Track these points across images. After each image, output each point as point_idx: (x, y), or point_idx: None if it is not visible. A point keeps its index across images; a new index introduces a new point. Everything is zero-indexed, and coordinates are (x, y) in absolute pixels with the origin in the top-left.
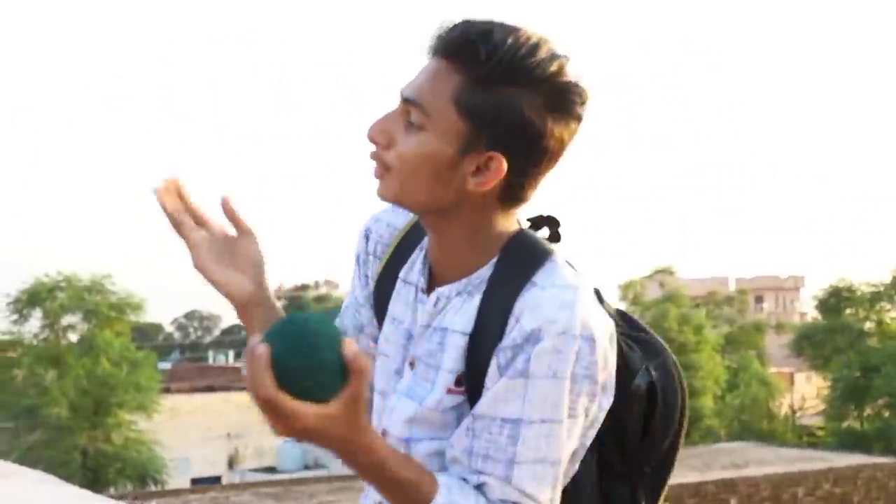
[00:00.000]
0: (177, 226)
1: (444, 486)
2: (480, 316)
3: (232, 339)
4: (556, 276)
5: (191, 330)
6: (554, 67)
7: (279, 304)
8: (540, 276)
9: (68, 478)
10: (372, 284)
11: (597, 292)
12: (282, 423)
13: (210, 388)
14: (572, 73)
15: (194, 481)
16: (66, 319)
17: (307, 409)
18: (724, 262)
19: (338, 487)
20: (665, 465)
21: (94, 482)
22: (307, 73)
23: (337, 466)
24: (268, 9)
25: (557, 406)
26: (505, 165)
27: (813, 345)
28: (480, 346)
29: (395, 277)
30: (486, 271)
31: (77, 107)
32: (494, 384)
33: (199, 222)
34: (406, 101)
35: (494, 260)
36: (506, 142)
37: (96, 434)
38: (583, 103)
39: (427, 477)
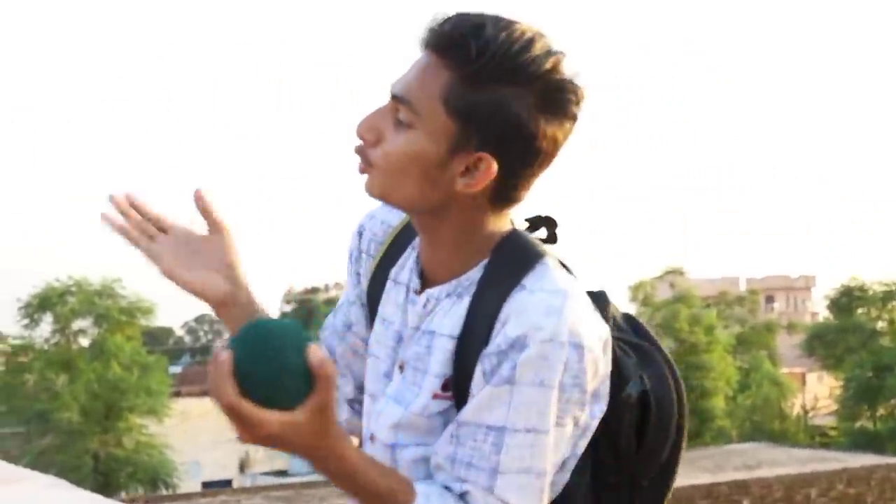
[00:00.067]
0: (132, 242)
1: (423, 496)
2: (469, 319)
3: None
4: (545, 280)
5: (201, 334)
6: (548, 65)
7: (260, 304)
8: (530, 279)
9: (80, 482)
10: (364, 283)
11: (602, 295)
12: (246, 430)
13: None
14: (568, 71)
15: (205, 485)
16: (77, 324)
17: (270, 416)
18: (734, 263)
19: None
20: (664, 478)
21: (106, 486)
22: (307, 73)
23: None
24: (268, 9)
25: (544, 415)
26: (495, 167)
27: (825, 344)
28: (468, 351)
29: (388, 277)
30: (476, 273)
31: (77, 107)
32: (479, 391)
33: (162, 228)
34: (394, 99)
35: (485, 262)
36: (496, 142)
37: (107, 438)
38: (578, 102)
39: (404, 485)
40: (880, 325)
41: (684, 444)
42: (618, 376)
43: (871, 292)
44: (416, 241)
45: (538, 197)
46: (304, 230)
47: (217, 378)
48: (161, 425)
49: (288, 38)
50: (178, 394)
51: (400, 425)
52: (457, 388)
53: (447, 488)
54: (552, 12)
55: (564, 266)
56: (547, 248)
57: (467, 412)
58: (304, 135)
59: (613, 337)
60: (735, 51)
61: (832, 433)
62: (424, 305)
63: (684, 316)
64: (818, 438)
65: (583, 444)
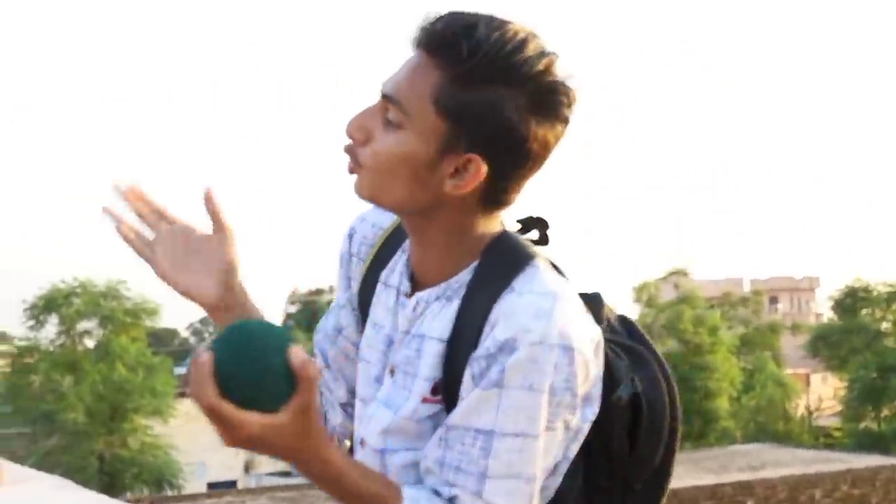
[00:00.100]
0: (129, 241)
1: (410, 499)
2: (458, 322)
3: None
4: (535, 282)
5: (206, 335)
6: (541, 66)
7: (255, 308)
8: (519, 282)
9: (86, 482)
10: (355, 286)
11: (597, 297)
12: (226, 431)
13: None
14: (561, 73)
15: (210, 486)
16: (82, 325)
17: (251, 418)
18: (737, 264)
19: None
20: (658, 482)
21: (111, 487)
22: (307, 73)
23: None
24: (268, 9)
25: (533, 419)
26: (484, 168)
27: (829, 345)
28: (458, 354)
29: (378, 280)
30: (465, 275)
31: (77, 107)
32: (469, 394)
33: (169, 221)
34: (384, 98)
35: (475, 264)
36: (486, 143)
37: (113, 439)
38: (570, 105)
39: (391, 490)
40: (885, 325)
41: (678, 448)
42: (609, 379)
43: (875, 293)
44: (407, 243)
45: (537, 197)
46: (308, 231)
47: (197, 379)
48: (166, 426)
49: (288, 38)
50: (183, 395)
51: (389, 430)
52: (447, 391)
53: (436, 492)
54: (547, 12)
55: (556, 268)
56: (538, 249)
57: (456, 416)
58: (304, 135)
59: (606, 339)
60: (730, 50)
61: (836, 434)
62: (414, 309)
63: (688, 317)
64: (822, 439)
65: (574, 448)
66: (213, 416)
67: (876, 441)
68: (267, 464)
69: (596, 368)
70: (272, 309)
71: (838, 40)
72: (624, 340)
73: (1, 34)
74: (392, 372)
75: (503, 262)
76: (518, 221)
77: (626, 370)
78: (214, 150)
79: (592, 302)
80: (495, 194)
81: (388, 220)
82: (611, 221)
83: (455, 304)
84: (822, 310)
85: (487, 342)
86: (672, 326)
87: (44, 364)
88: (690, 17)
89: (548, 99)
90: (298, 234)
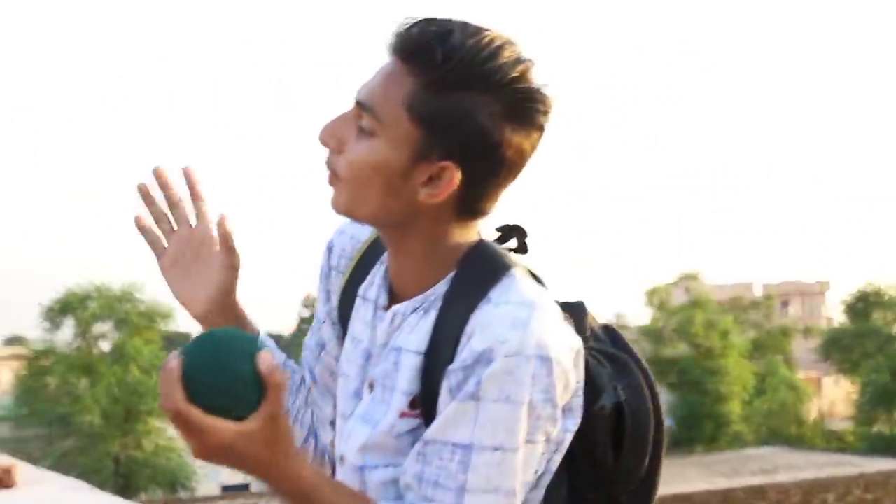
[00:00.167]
0: (145, 230)
1: None
2: (435, 334)
3: None
4: (512, 292)
5: None
6: (516, 73)
7: (251, 321)
8: (496, 292)
9: (101, 484)
10: (335, 300)
11: (580, 305)
12: (195, 438)
13: None
14: (536, 80)
15: (224, 488)
16: (98, 328)
17: (221, 424)
18: (749, 268)
19: None
20: (644, 493)
21: (126, 489)
22: (307, 73)
23: None
24: (268, 9)
25: (512, 432)
26: (458, 176)
27: (841, 349)
28: (435, 367)
29: (357, 293)
30: (442, 287)
31: (77, 107)
32: (446, 407)
33: (198, 216)
34: (358, 105)
35: (452, 275)
36: (460, 151)
37: (127, 441)
38: (546, 112)
39: None
40: None
41: (663, 457)
42: (592, 387)
43: (887, 297)
44: (385, 256)
45: (536, 197)
46: (322, 234)
47: (166, 384)
48: None
49: (288, 38)
50: None
51: (367, 446)
52: (425, 405)
53: None
54: (546, 13)
55: (535, 277)
56: (516, 258)
57: (434, 430)
58: (304, 135)
59: (588, 347)
60: (730, 50)
61: (849, 438)
62: (391, 321)
63: (700, 321)
64: (835, 443)
65: (557, 460)
66: (181, 422)
67: (888, 445)
68: None
69: (576, 378)
70: (286, 313)
71: (840, 40)
72: (607, 348)
73: (1, 34)
74: (371, 386)
75: (480, 273)
76: (496, 230)
77: (609, 378)
78: (214, 150)
79: (575, 311)
80: (470, 203)
81: (366, 232)
82: (611, 222)
83: (432, 316)
84: (833, 314)
85: (464, 354)
86: (684, 330)
87: (60, 366)
88: (690, 17)
89: (523, 106)
90: (307, 237)
